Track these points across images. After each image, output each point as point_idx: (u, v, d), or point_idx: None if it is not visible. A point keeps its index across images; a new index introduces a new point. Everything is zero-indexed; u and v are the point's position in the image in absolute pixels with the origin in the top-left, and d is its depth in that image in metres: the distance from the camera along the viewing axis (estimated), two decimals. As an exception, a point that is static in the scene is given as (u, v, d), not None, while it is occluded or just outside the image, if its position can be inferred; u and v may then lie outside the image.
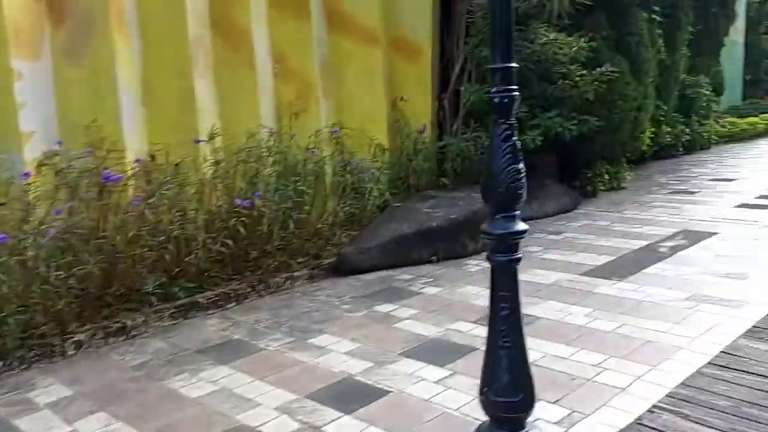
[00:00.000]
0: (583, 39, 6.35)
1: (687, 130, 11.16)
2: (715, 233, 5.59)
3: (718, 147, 12.60)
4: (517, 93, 2.25)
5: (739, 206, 6.67)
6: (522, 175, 2.29)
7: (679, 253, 5.02)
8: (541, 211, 6.71)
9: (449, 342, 3.46)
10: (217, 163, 4.71)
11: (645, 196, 7.60)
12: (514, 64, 2.24)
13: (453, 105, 6.84)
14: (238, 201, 4.21)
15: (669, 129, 10.38)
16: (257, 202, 4.33)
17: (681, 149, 11.20)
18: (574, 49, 6.33)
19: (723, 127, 13.13)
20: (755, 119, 13.93)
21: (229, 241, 4.21)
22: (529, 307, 3.95)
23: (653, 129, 9.74)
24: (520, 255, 2.32)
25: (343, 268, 4.92)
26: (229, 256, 4.33)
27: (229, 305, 4.30)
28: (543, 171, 7.29)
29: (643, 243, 5.40)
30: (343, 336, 3.64)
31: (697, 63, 11.68)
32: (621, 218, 6.44)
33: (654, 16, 8.29)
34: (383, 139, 5.97)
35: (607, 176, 7.82)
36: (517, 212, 2.32)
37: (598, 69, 6.54)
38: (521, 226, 2.32)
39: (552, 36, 6.03)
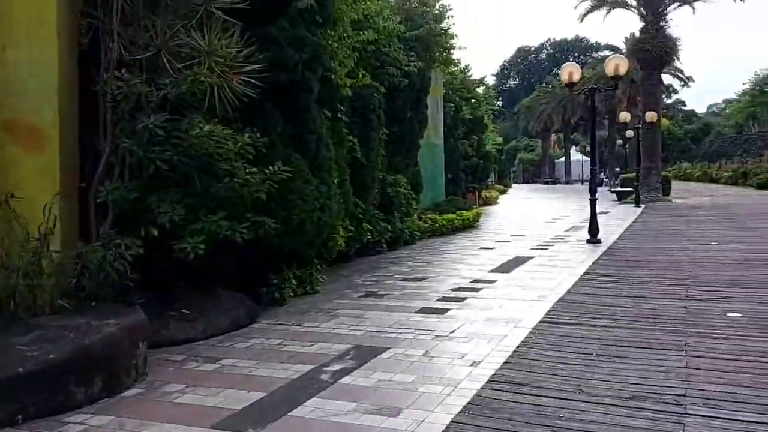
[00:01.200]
0: (248, 135, 5.69)
1: (389, 227, 11.35)
2: (387, 348, 5.10)
3: (422, 242, 13.16)
4: None
5: (419, 311, 6.43)
6: None
7: (341, 381, 4.33)
8: (208, 329, 5.67)
9: None
10: None
11: (334, 301, 7.07)
12: None
13: (101, 205, 5.57)
14: None
15: (370, 227, 10.37)
16: None
17: (385, 246, 11.32)
18: (239, 144, 5.62)
19: (425, 223, 13.85)
20: (453, 216, 15.06)
21: None
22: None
23: (352, 227, 9.59)
24: None
25: None
26: None
27: None
28: (217, 279, 6.33)
29: (308, 368, 4.64)
30: None
31: (396, 163, 12.20)
32: (297, 333, 5.69)
33: (339, 115, 8.19)
34: (-27, 248, 4.43)
35: (295, 281, 7.16)
36: None
37: (271, 167, 5.92)
38: None
39: (207, 128, 5.22)
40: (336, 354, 4.99)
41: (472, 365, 4.58)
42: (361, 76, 8.84)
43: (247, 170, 5.74)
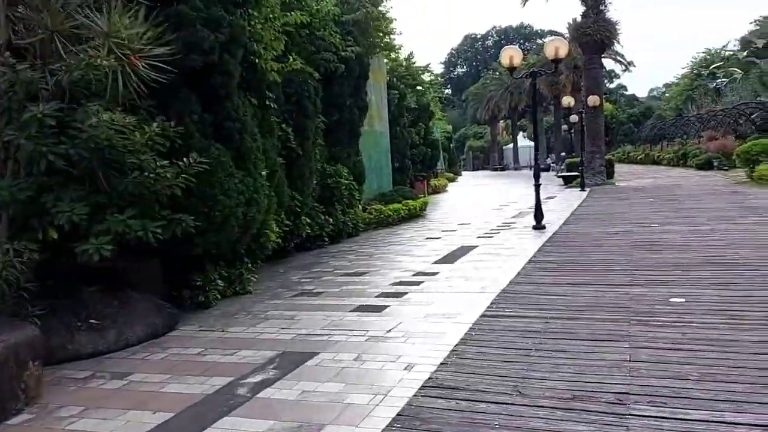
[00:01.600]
0: (156, 124, 5.17)
1: (330, 219, 10.93)
2: (316, 353, 4.70)
3: (367, 233, 12.79)
4: None
5: (356, 309, 6.06)
6: None
7: (260, 395, 3.92)
8: (121, 340, 5.16)
9: None
10: None
11: (266, 302, 6.62)
12: None
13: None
14: None
15: (309, 220, 9.92)
16: None
17: (327, 239, 10.90)
18: (147, 135, 5.10)
19: (370, 214, 13.46)
20: (398, 206, 14.72)
21: None
22: None
23: (289, 221, 9.13)
24: None
25: None
26: None
27: None
28: (132, 283, 5.80)
29: (226, 381, 4.20)
30: None
31: (336, 152, 11.74)
32: (220, 340, 5.23)
33: (268, 102, 7.68)
34: None
35: (222, 281, 6.67)
36: None
37: (185, 159, 5.41)
38: None
39: (105, 117, 4.68)
40: (260, 362, 4.57)
41: (405, 369, 4.23)
42: (291, 60, 8.34)
43: (158, 163, 5.23)
